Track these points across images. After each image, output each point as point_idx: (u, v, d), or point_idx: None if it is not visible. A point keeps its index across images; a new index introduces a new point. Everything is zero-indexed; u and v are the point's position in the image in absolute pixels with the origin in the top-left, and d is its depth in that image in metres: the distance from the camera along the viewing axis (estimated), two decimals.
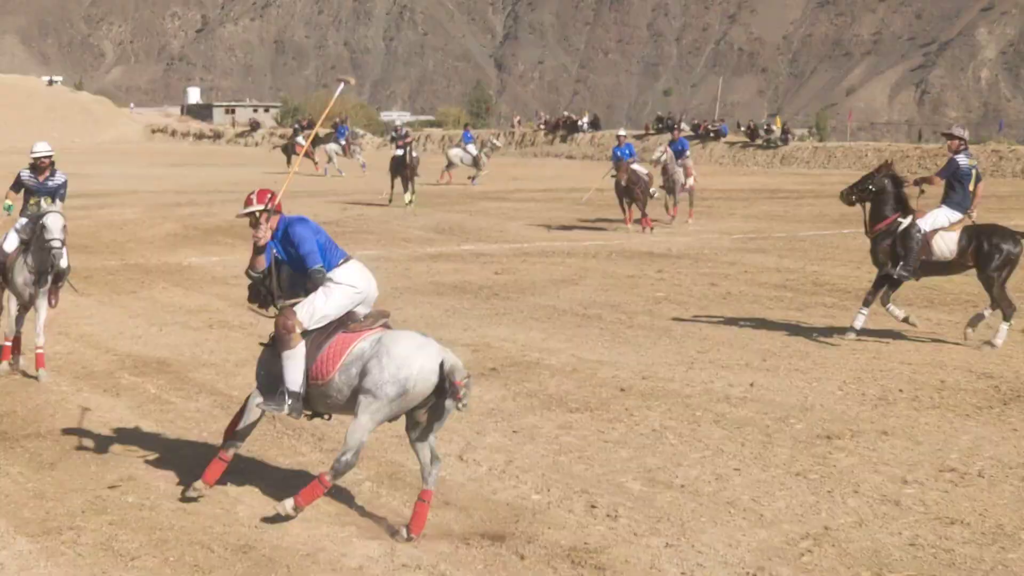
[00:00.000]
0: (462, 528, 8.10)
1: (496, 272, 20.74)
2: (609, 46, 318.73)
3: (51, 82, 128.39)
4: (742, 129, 70.48)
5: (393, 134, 39.30)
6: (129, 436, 10.35)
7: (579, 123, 75.51)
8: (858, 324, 14.73)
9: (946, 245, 14.45)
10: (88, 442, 10.14)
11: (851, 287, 19.00)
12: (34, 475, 9.24)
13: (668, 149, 29.23)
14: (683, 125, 64.07)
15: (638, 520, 8.23)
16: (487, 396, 11.69)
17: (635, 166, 27.51)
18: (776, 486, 8.97)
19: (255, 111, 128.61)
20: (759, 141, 65.27)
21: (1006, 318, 14.16)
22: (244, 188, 29.74)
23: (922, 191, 14.86)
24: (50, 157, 12.87)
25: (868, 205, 14.81)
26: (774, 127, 67.48)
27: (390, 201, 34.08)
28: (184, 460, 9.58)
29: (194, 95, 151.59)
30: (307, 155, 46.53)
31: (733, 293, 18.54)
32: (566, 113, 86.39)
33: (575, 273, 20.69)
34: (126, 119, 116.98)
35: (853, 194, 14.90)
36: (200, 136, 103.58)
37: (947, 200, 14.71)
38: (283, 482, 8.99)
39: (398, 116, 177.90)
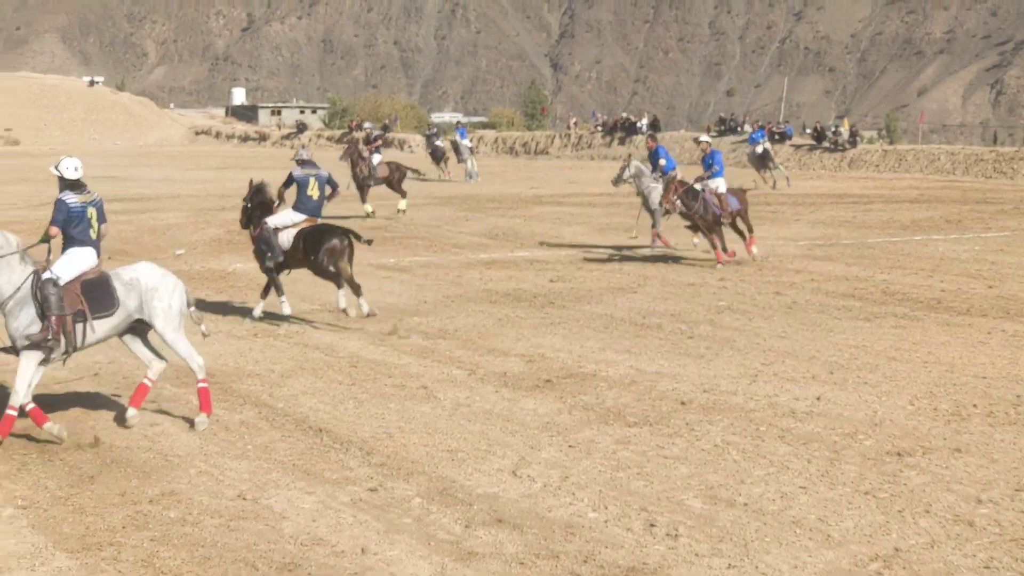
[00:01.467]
0: (515, 547, 8.09)
1: (551, 279, 20.72)
2: (669, 44, 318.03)
3: (92, 83, 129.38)
4: (808, 131, 69.99)
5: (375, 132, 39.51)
6: (171, 449, 10.42)
7: (638, 125, 75.27)
8: None
9: None
10: (129, 455, 10.22)
11: (923, 296, 18.85)
12: (73, 489, 9.32)
13: (633, 164, 25.62)
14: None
15: (699, 540, 8.19)
16: (541, 409, 11.68)
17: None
18: (844, 505, 8.91)
19: (302, 112, 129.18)
20: (826, 144, 64.81)
21: None
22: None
23: None
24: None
25: None
26: (842, 129, 66.94)
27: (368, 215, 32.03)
28: (228, 474, 9.63)
29: (239, 96, 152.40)
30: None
31: (799, 302, 18.43)
32: (624, 114, 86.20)
33: (633, 281, 20.64)
34: (169, 121, 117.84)
35: None
36: (245, 138, 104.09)
37: None
38: (330, 497, 9.02)
39: (450, 117, 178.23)
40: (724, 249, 22.85)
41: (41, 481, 9.51)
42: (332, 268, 16.56)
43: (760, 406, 11.85)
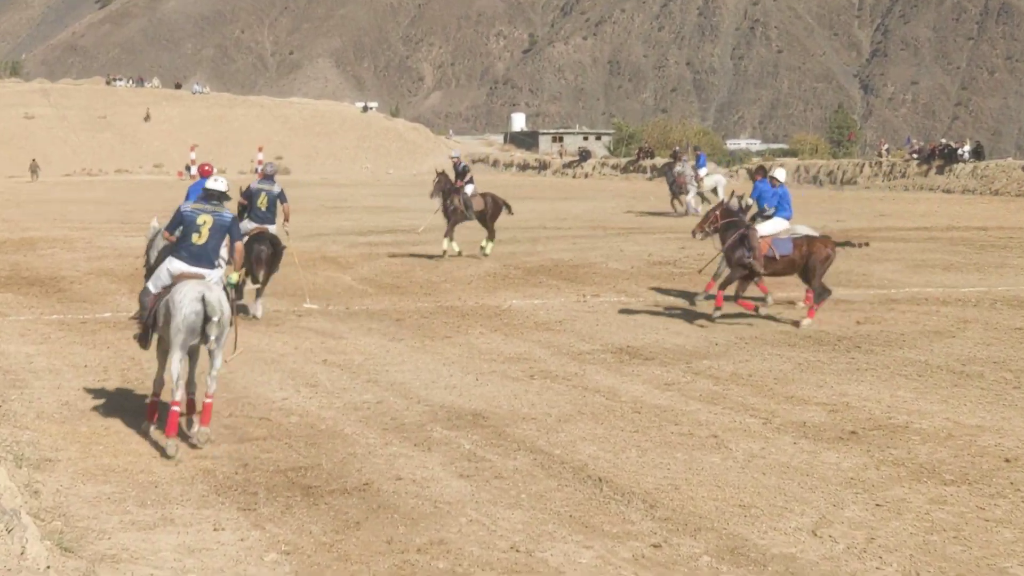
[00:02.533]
0: None
1: (858, 321, 20.35)
2: (995, 64, 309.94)
3: (365, 108, 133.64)
4: None
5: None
6: (440, 495, 10.58)
7: (959, 152, 73.40)
8: None
9: None
10: (396, 500, 10.42)
11: None
12: (338, 535, 9.55)
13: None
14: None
15: None
16: (845, 463, 11.46)
17: None
18: None
19: (585, 139, 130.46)
20: None
21: None
22: (571, 223, 30.37)
23: None
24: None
25: None
26: None
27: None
28: (500, 524, 9.72)
29: (519, 121, 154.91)
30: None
31: None
32: (943, 140, 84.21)
33: (952, 324, 20.08)
34: (444, 148, 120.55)
35: None
36: (524, 166, 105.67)
37: None
38: (610, 552, 9.00)
39: (746, 144, 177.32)
40: (733, 294, 20.80)
41: (305, 525, 9.77)
42: (258, 273, 20.73)
43: None
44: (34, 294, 24.16)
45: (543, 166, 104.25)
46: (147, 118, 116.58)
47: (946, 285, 25.23)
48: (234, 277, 16.28)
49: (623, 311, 21.47)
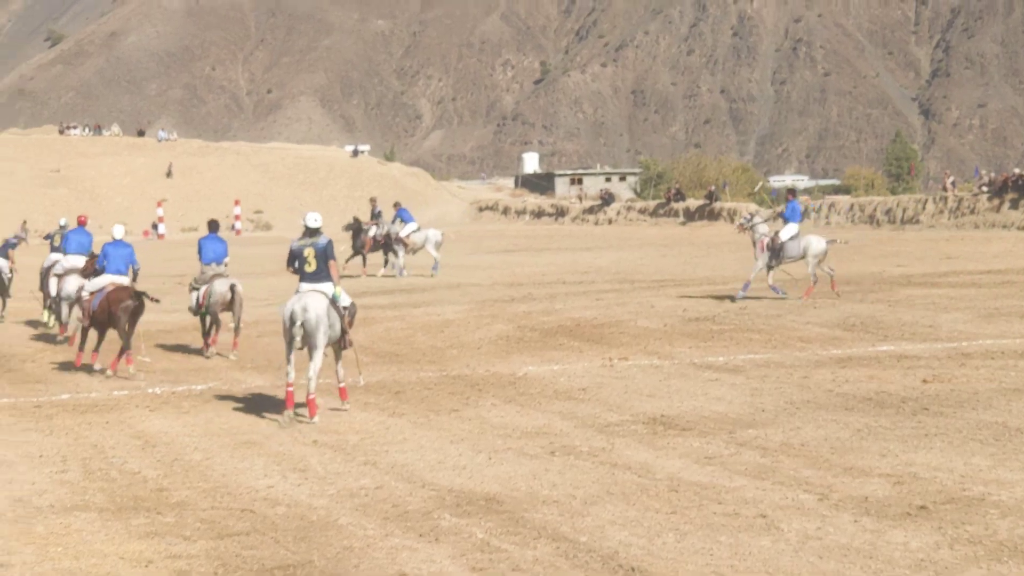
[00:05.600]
0: None
1: (925, 380, 20.34)
2: None
3: (356, 152, 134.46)
4: None
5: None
6: None
7: None
8: None
9: None
10: None
11: None
12: None
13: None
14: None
15: None
16: (914, 543, 11.45)
17: None
18: None
19: (608, 180, 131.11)
20: None
21: None
22: (594, 276, 30.49)
23: None
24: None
25: None
26: None
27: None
28: None
29: (531, 162, 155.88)
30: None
31: None
32: (1017, 170, 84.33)
33: None
34: (447, 195, 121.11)
35: None
36: (539, 213, 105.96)
37: None
38: None
39: (791, 179, 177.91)
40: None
41: None
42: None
43: None
44: None
45: (560, 212, 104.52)
46: (169, 174, 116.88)
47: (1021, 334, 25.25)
48: (336, 291, 18.99)
49: (655, 375, 21.50)
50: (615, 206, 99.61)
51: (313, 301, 18.46)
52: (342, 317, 18.97)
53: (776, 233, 33.52)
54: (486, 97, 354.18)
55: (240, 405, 19.90)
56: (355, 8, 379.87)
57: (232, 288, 25.87)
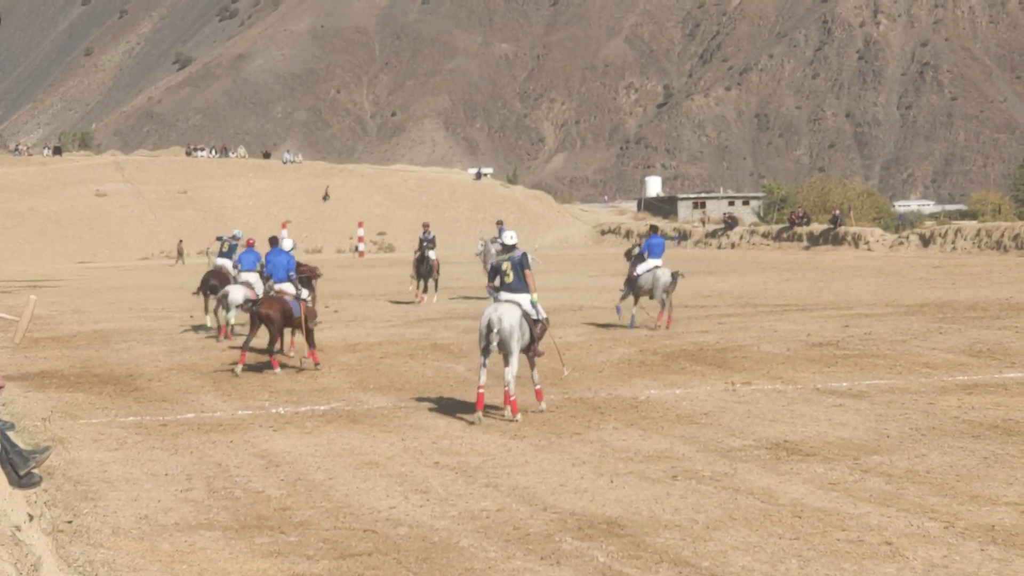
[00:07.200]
0: None
1: None
2: None
3: (479, 175, 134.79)
4: None
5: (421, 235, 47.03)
6: None
7: None
8: None
9: None
10: None
11: None
12: None
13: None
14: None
15: None
16: None
17: None
18: None
19: (731, 204, 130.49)
20: None
21: None
22: (716, 301, 30.48)
23: None
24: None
25: None
26: None
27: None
28: None
29: (654, 186, 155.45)
30: None
31: None
32: None
33: None
34: (569, 218, 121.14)
35: None
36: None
37: None
38: None
39: (917, 205, 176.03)
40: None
41: None
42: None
43: None
44: (108, 393, 24.56)
45: (684, 236, 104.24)
46: (326, 197, 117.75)
47: None
48: (534, 297, 20.79)
49: (778, 400, 21.36)
50: (738, 230, 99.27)
51: (507, 311, 20.14)
52: (532, 327, 20.57)
53: (634, 267, 35.04)
54: (609, 120, 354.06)
55: (362, 426, 20.00)
56: (479, 32, 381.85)
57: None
